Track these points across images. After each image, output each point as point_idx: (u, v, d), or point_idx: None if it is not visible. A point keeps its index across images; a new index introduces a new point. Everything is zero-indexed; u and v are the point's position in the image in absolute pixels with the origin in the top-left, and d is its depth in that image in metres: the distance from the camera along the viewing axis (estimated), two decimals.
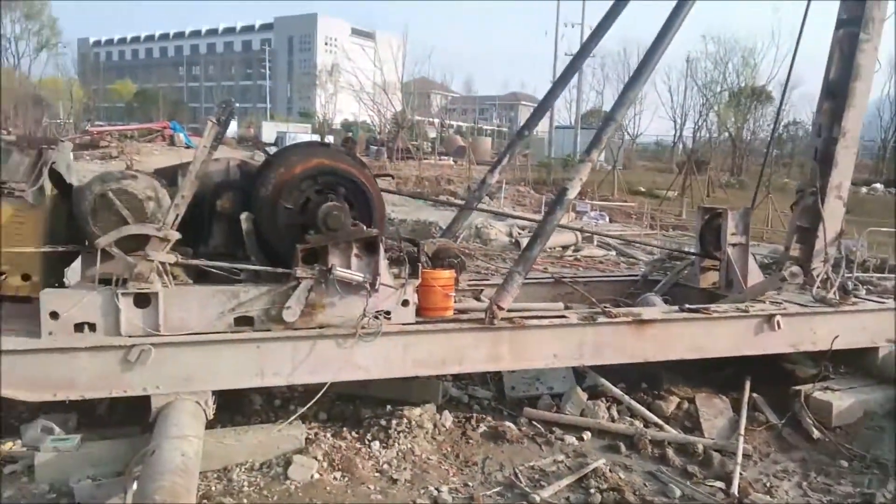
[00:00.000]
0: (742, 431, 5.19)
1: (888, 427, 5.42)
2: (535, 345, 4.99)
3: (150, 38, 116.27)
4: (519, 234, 15.63)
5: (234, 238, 4.82)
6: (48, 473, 3.93)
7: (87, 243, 4.38)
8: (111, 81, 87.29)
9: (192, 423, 3.97)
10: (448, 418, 5.14)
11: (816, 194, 6.12)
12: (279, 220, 4.58)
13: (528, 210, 25.27)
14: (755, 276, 6.21)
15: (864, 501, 4.51)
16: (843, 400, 5.52)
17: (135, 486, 3.45)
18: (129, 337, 4.13)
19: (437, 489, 4.31)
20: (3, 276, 4.21)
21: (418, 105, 56.56)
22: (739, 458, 4.79)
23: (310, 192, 4.63)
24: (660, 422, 5.39)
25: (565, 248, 14.67)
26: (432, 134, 60.03)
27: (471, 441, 4.98)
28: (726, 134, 50.78)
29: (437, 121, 63.48)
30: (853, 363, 6.15)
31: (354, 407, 5.30)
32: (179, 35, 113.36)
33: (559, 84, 7.05)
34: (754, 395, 5.75)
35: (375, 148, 48.20)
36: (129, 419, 4.65)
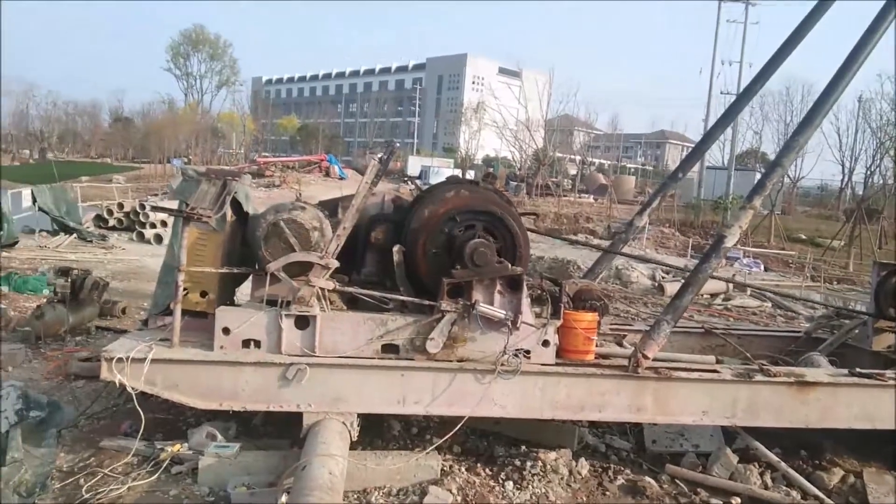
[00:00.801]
0: None
1: None
2: (682, 399, 4.75)
3: (314, 77, 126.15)
4: (662, 277, 15.01)
5: (384, 267, 5.08)
6: (209, 477, 4.27)
7: (257, 266, 4.80)
8: (278, 116, 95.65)
9: (339, 442, 4.17)
10: (584, 466, 4.99)
11: None
12: (428, 253, 4.75)
13: (672, 253, 24.24)
14: None
15: None
16: None
17: (285, 498, 3.68)
18: (289, 355, 4.44)
19: None
20: (185, 292, 4.70)
21: (560, 142, 56.41)
22: None
23: (458, 228, 4.77)
24: (820, 494, 4.89)
25: (714, 295, 13.85)
26: (573, 171, 59.51)
27: (607, 493, 4.79)
28: None
29: (578, 158, 62.88)
30: None
31: (488, 443, 5.30)
32: (340, 75, 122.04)
33: (718, 126, 6.76)
34: None
35: (515, 183, 48.62)
36: (281, 431, 4.98)
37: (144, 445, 4.60)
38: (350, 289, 4.68)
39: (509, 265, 4.59)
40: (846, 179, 53.89)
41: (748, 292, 14.10)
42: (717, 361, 5.52)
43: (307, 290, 4.42)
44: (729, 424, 5.07)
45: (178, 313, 4.48)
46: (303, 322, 4.48)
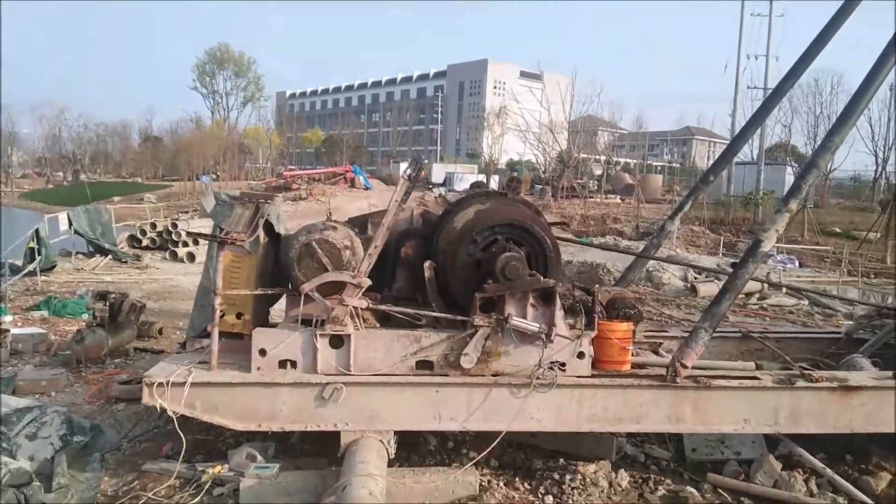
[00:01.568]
0: None
1: None
2: (722, 407, 4.67)
3: (336, 89, 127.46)
4: (695, 278, 14.78)
5: (415, 282, 5.09)
6: (250, 498, 4.31)
7: (290, 286, 4.86)
8: (303, 130, 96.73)
9: (377, 461, 4.19)
10: (624, 478, 4.93)
11: None
12: (458, 268, 4.75)
13: (703, 251, 23.85)
14: None
15: None
16: None
17: None
18: (325, 375, 4.48)
19: None
20: (222, 315, 4.77)
21: (585, 143, 56.03)
22: None
23: (488, 241, 4.76)
24: (868, 500, 4.77)
25: (749, 294, 13.57)
26: (598, 171, 59.05)
27: None
28: None
29: (603, 158, 62.40)
30: None
31: (525, 456, 5.27)
32: (363, 86, 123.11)
33: (749, 126, 6.65)
34: None
35: (540, 187, 48.39)
36: (319, 449, 5.01)
37: (186, 468, 4.67)
38: (383, 307, 4.70)
39: (541, 277, 4.57)
40: (880, 169, 52.71)
41: (784, 291, 13.81)
42: (757, 367, 5.42)
43: (341, 309, 4.45)
44: (772, 432, 4.97)
45: (215, 336, 4.55)
46: (337, 341, 4.52)
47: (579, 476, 4.79)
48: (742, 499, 4.80)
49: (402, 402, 4.56)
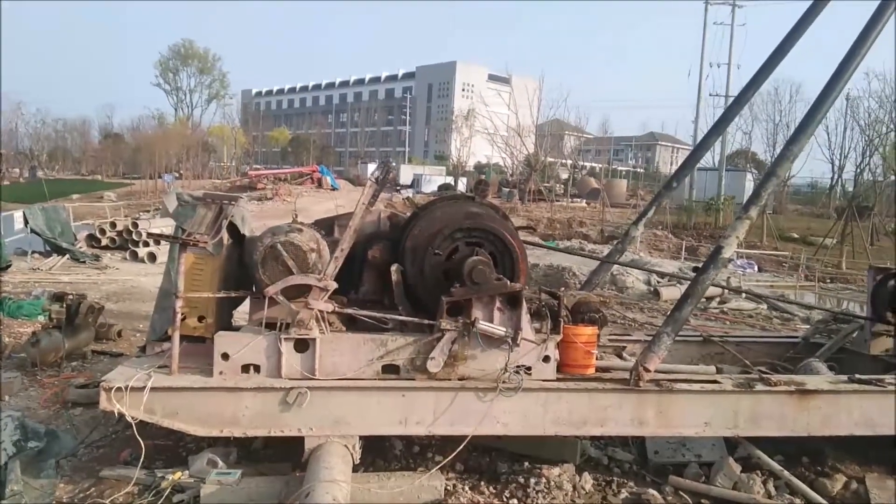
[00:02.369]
0: None
1: None
2: (684, 411, 4.75)
3: (304, 88, 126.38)
4: (658, 282, 15.01)
5: (382, 286, 5.07)
6: None
7: (254, 289, 4.78)
8: (269, 128, 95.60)
9: (342, 466, 4.15)
10: (588, 481, 4.97)
11: None
12: (425, 272, 4.74)
13: (666, 255, 24.29)
14: None
15: None
16: None
17: None
18: (289, 379, 4.42)
19: None
20: (183, 318, 4.67)
21: (551, 147, 56.58)
22: None
23: (456, 245, 4.76)
24: (824, 502, 4.88)
25: (709, 299, 13.85)
26: (564, 175, 59.66)
27: None
28: (893, 177, 46.11)
29: (569, 162, 63.08)
30: None
31: (491, 460, 5.28)
32: (330, 85, 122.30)
33: (712, 134, 6.79)
34: None
35: (507, 190, 48.70)
36: (282, 454, 4.94)
37: (145, 474, 4.56)
38: (349, 310, 4.66)
39: (508, 282, 4.59)
40: (836, 177, 54.45)
41: (743, 295, 14.13)
42: (718, 371, 5.52)
43: (306, 312, 4.40)
44: (732, 435, 5.07)
45: (176, 340, 4.46)
46: (302, 345, 4.46)
47: (544, 479, 4.80)
48: (702, 501, 4.87)
49: (368, 407, 4.52)
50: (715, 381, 4.90)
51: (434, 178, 57.25)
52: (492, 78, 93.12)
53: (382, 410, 4.54)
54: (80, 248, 17.21)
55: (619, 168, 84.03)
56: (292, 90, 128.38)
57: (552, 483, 4.80)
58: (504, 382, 4.53)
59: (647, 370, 4.66)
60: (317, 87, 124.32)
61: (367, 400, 4.52)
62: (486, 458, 5.30)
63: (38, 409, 6.06)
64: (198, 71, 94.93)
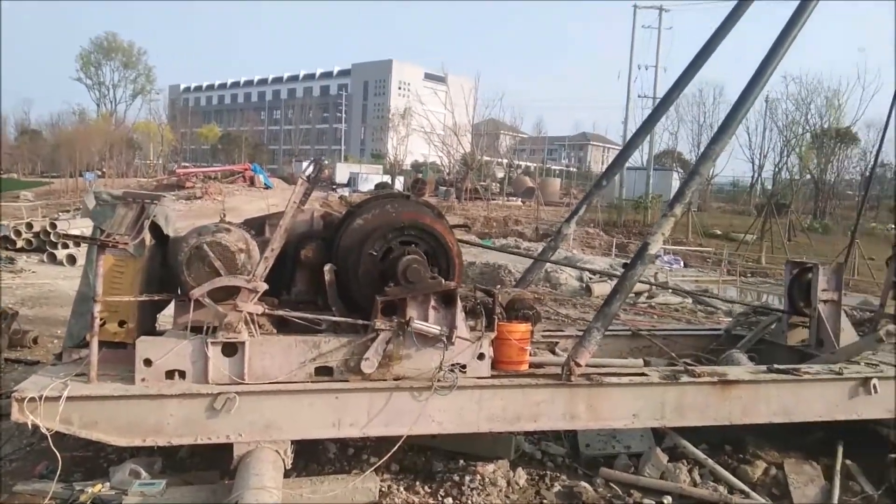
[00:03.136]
0: (836, 501, 4.87)
1: None
2: (613, 403, 4.85)
3: (235, 84, 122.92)
4: (590, 278, 15.37)
5: (315, 286, 4.97)
6: None
7: (179, 291, 4.60)
8: (198, 125, 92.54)
9: (273, 472, 4.04)
10: (522, 476, 5.03)
11: None
12: (360, 271, 4.68)
13: (598, 252, 24.92)
14: (848, 334, 5.88)
15: None
16: None
17: None
18: (216, 385, 4.27)
19: None
20: (102, 323, 4.44)
21: (487, 146, 57.17)
22: None
23: (390, 244, 4.72)
24: (746, 488, 5.10)
25: (638, 294, 14.30)
26: (500, 174, 60.34)
27: (545, 501, 4.85)
28: (808, 176, 48.92)
29: (505, 161, 63.85)
30: None
31: (426, 459, 5.27)
32: (263, 81, 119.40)
33: (639, 134, 6.98)
34: (847, 462, 5.40)
35: (444, 188, 48.85)
36: (210, 462, 4.78)
37: (62, 487, 4.32)
38: (280, 312, 4.55)
39: (443, 280, 4.58)
40: (756, 176, 57.27)
41: (670, 290, 14.65)
42: (645, 364, 5.69)
43: (234, 315, 4.26)
44: (659, 426, 5.23)
45: (94, 346, 4.23)
46: (230, 349, 4.32)
47: (478, 476, 4.83)
48: (631, 491, 5.01)
49: (300, 410, 4.42)
50: (643, 374, 5.03)
51: (371, 177, 56.76)
52: (428, 77, 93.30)
53: (315, 413, 4.45)
54: None
55: (553, 167, 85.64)
56: (223, 86, 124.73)
57: (486, 480, 4.83)
58: (439, 381, 4.51)
59: (579, 365, 4.74)
60: (249, 83, 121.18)
61: (299, 403, 4.42)
62: (422, 457, 5.29)
63: None
64: (122, 65, 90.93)
